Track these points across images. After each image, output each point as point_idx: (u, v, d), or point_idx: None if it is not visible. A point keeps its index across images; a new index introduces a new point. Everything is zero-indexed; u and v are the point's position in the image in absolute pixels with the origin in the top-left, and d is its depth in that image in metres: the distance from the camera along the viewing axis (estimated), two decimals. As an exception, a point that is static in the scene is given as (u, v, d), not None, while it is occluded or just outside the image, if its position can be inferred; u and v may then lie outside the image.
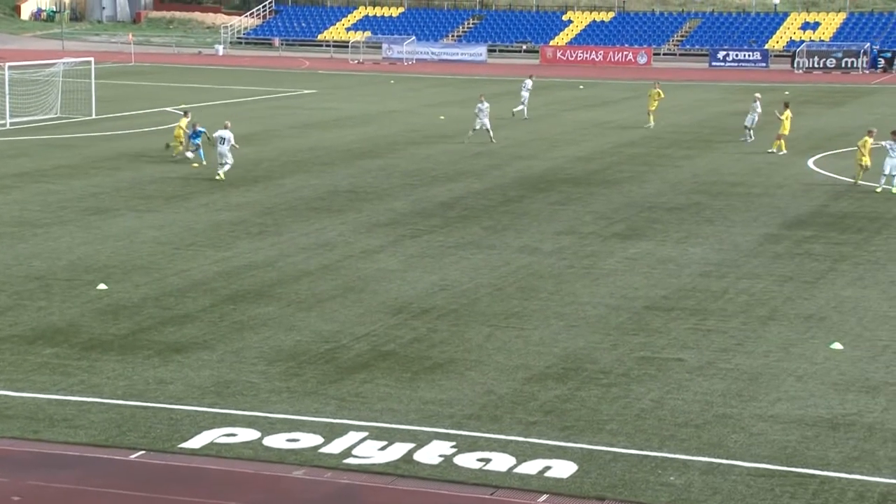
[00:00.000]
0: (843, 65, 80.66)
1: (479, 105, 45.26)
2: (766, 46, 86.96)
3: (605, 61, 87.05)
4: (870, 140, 35.46)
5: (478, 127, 44.94)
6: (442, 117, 54.27)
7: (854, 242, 28.25)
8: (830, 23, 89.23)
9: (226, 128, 36.21)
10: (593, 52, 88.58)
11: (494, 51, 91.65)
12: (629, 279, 24.71)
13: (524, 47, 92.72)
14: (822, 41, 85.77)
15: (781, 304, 22.89)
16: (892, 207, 32.51)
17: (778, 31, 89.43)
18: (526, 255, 26.80)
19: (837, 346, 20.06)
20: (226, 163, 36.07)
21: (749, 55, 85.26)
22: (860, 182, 35.67)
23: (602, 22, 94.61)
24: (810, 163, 40.85)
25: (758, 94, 47.12)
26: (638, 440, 15.89)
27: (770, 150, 42.65)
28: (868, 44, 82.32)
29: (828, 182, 37.09)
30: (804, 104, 59.98)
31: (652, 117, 50.12)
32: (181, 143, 39.72)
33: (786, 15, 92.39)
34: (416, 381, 18.16)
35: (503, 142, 45.90)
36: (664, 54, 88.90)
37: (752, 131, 45.47)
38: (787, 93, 66.15)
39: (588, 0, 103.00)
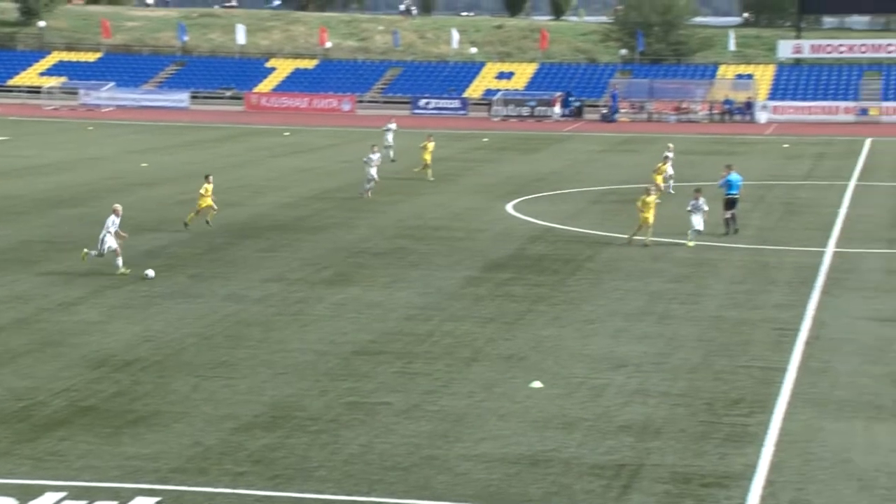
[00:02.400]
0: (537, 113, 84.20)
1: (371, 155, 43.97)
2: (465, 94, 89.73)
3: (309, 108, 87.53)
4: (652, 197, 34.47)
5: (373, 176, 43.41)
6: (144, 164, 53.09)
7: (550, 284, 29.42)
8: (524, 72, 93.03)
9: (115, 213, 29.79)
10: (298, 99, 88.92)
11: (197, 97, 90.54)
12: (337, 325, 24.83)
13: (228, 94, 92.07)
14: (517, 90, 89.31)
15: (484, 344, 23.54)
16: (583, 250, 34.06)
17: (475, 80, 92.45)
18: (233, 304, 26.50)
19: (537, 384, 20.79)
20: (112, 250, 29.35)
21: (449, 103, 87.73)
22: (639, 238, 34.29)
23: (306, 69, 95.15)
24: (508, 207, 42.32)
25: (670, 144, 47.50)
26: (347, 485, 15.94)
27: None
28: (560, 92, 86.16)
29: (525, 226, 38.49)
30: (501, 150, 62.19)
31: (430, 170, 48.97)
32: None
33: (482, 64, 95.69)
34: (118, 436, 17.58)
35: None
36: (368, 101, 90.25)
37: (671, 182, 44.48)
38: (485, 139, 68.41)
39: (291, 47, 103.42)
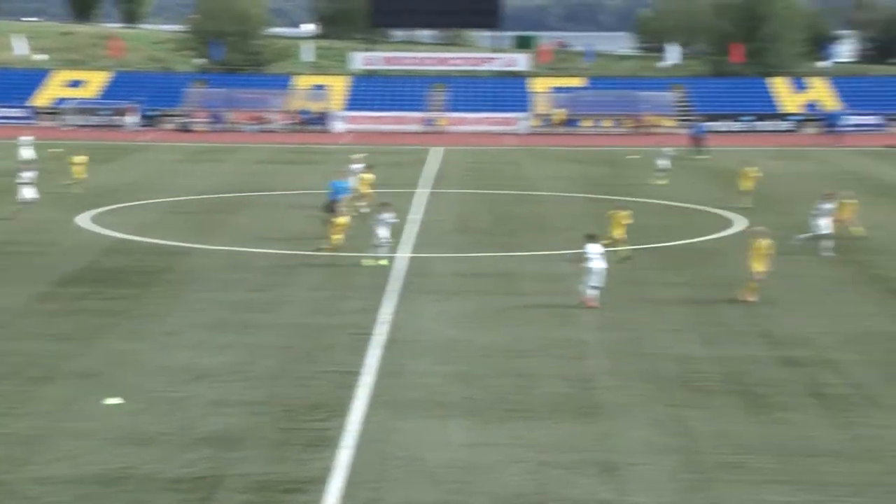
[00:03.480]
0: (112, 122, 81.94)
1: (23, 174, 40.58)
2: (32, 103, 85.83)
3: None
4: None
5: (24, 196, 39.97)
6: None
7: (128, 297, 28.65)
8: (96, 80, 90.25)
9: None
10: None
11: None
12: None
13: None
14: (90, 98, 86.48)
15: (58, 362, 22.59)
16: (158, 261, 33.43)
17: (43, 88, 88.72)
18: None
19: (115, 400, 20.19)
20: None
21: (17, 112, 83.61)
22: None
23: None
24: (82, 219, 40.86)
25: (353, 156, 45.42)
26: None
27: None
28: (135, 103, 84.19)
29: (100, 238, 37.31)
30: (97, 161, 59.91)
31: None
32: None
33: (48, 72, 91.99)
34: None
35: None
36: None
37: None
38: (59, 150, 65.67)
39: None
